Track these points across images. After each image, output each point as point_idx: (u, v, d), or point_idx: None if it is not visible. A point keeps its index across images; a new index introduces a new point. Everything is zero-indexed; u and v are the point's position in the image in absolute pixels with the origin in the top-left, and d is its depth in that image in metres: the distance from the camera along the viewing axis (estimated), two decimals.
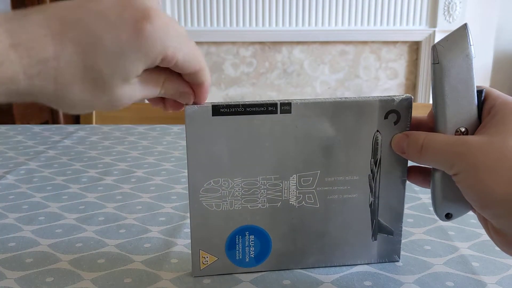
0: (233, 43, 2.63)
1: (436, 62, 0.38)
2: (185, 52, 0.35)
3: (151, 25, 0.32)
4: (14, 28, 0.31)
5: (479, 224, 0.56)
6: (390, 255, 0.47)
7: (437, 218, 0.57)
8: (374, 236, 0.46)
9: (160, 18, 0.33)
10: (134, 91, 0.36)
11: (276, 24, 2.57)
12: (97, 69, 0.32)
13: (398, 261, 0.47)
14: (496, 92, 0.39)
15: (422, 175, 0.43)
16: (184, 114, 0.41)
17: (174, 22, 0.35)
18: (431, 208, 0.60)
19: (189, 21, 2.53)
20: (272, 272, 0.46)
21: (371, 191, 0.45)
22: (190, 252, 0.49)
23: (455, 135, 0.38)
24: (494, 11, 2.55)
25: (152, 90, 0.37)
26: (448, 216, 0.41)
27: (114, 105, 0.35)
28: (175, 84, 0.39)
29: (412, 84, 2.70)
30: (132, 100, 0.36)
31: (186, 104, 0.41)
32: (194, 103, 0.41)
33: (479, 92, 0.38)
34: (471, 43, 0.37)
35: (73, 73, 0.32)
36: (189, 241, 0.52)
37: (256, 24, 2.58)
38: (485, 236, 0.53)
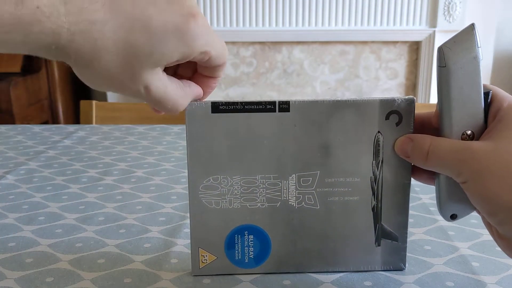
0: (233, 43, 2.63)
1: (442, 66, 0.37)
2: (217, 52, 0.37)
3: (195, 21, 0.34)
4: None
5: (479, 224, 0.56)
6: (395, 262, 0.46)
7: (438, 218, 0.57)
8: (377, 241, 0.45)
9: (202, 17, 0.35)
10: (156, 82, 0.36)
11: (276, 24, 2.57)
12: (138, 46, 0.33)
13: (403, 269, 0.46)
14: (502, 93, 0.38)
15: (427, 173, 0.42)
16: (184, 112, 0.41)
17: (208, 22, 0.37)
18: (432, 208, 0.60)
19: None
20: (272, 273, 0.46)
21: (373, 194, 0.44)
22: (190, 252, 0.49)
23: (461, 138, 0.38)
24: (494, 11, 2.55)
25: (181, 102, 0.38)
26: (453, 217, 0.40)
27: (131, 88, 0.35)
28: (192, 95, 0.40)
29: (412, 84, 2.70)
30: (144, 92, 0.36)
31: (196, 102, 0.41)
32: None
33: (486, 94, 0.38)
34: (479, 45, 0.37)
35: (114, 42, 0.33)
36: (189, 241, 0.52)
37: (256, 24, 2.58)
38: (485, 236, 0.53)
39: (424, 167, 0.39)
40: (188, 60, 0.36)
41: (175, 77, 0.39)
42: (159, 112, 0.40)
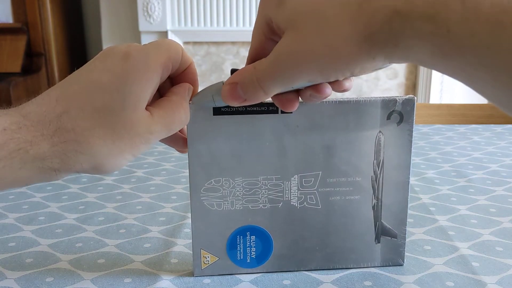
0: (233, 43, 2.63)
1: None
2: (173, 58, 0.37)
3: (134, 54, 0.35)
4: (19, 106, 0.33)
5: (479, 224, 0.56)
6: (394, 258, 0.46)
7: (438, 218, 0.57)
8: (377, 238, 0.46)
9: (137, 48, 0.35)
10: (150, 121, 0.36)
11: None
12: (109, 105, 0.33)
13: (402, 264, 0.47)
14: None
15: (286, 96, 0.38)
16: None
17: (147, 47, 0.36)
18: (432, 208, 0.60)
19: (189, 21, 2.53)
20: (272, 272, 0.46)
21: (373, 193, 0.44)
22: (190, 252, 0.49)
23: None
24: None
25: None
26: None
27: (140, 144, 0.35)
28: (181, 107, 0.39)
29: (412, 84, 2.70)
30: (154, 133, 0.36)
31: (190, 102, 0.41)
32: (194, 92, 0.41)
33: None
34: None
35: (89, 119, 0.33)
36: (189, 241, 0.52)
37: None
38: (485, 236, 0.53)
39: (266, 95, 0.34)
40: (159, 84, 0.36)
41: (160, 96, 0.39)
42: (185, 148, 0.42)
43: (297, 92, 0.37)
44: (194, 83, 0.40)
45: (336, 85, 0.37)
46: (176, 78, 0.40)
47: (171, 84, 0.40)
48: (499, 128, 1.01)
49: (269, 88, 0.33)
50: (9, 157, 0.31)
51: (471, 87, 0.28)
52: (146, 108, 0.35)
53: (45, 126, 0.32)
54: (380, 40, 0.28)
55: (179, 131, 0.42)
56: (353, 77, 0.36)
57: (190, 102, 0.40)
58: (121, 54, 0.35)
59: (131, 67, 0.34)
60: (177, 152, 0.44)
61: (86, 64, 0.36)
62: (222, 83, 0.37)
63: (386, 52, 0.29)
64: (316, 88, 0.36)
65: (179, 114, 0.37)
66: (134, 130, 0.34)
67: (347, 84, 0.37)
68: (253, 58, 0.37)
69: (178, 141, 0.42)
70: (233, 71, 0.36)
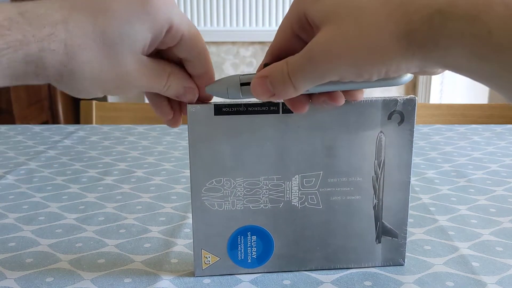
0: (233, 43, 2.63)
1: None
2: (189, 28, 0.37)
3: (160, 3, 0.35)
4: (22, 2, 0.32)
5: (479, 224, 0.56)
6: (395, 258, 0.46)
7: (438, 218, 0.57)
8: (378, 238, 0.46)
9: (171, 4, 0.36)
10: (141, 72, 0.36)
11: (276, 24, 2.57)
12: (107, 33, 0.33)
13: (403, 264, 0.47)
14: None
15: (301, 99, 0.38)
16: (186, 114, 0.41)
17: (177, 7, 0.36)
18: (432, 208, 0.60)
19: None
20: (272, 272, 0.46)
21: (374, 193, 0.44)
22: (190, 252, 0.49)
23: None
24: None
25: (158, 80, 0.38)
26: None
27: (121, 83, 0.35)
28: (180, 79, 0.39)
29: (412, 84, 2.70)
30: (139, 83, 0.36)
31: (189, 103, 0.41)
32: (198, 101, 0.41)
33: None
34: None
35: (82, 37, 0.33)
36: (189, 241, 0.52)
37: (256, 24, 2.58)
38: (485, 236, 0.53)
39: (295, 91, 0.34)
40: (161, 38, 0.36)
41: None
42: (175, 123, 0.41)
43: (309, 95, 0.37)
44: (201, 89, 0.40)
45: (349, 94, 0.37)
46: (192, 77, 0.40)
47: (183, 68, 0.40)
48: (499, 128, 1.01)
49: (299, 83, 0.33)
50: None
51: (508, 95, 0.28)
52: (144, 54, 0.36)
53: (39, 28, 0.31)
54: (420, 38, 0.28)
55: (170, 104, 0.42)
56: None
57: (189, 106, 0.40)
58: None
59: (144, 7, 0.34)
60: (177, 152, 0.44)
61: None
62: (239, 76, 0.37)
63: (424, 51, 0.29)
64: (330, 95, 0.36)
65: (165, 81, 0.37)
66: (119, 64, 0.34)
67: (359, 95, 0.38)
68: (274, 54, 0.37)
69: (164, 110, 0.42)
70: (265, 65, 0.36)
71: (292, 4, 0.35)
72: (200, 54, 0.39)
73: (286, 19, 0.35)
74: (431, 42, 0.28)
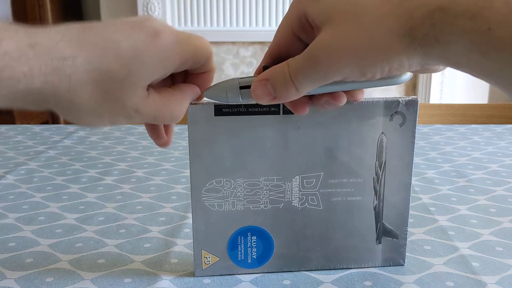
0: (233, 43, 2.63)
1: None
2: (196, 52, 0.37)
3: (161, 39, 0.34)
4: (33, 32, 0.32)
5: (479, 224, 0.56)
6: (395, 258, 0.46)
7: (438, 218, 0.57)
8: (378, 239, 0.46)
9: (169, 32, 0.35)
10: (150, 106, 0.36)
11: (276, 24, 2.57)
12: (112, 71, 0.33)
13: (403, 264, 0.47)
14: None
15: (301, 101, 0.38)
16: (186, 114, 0.41)
17: (181, 33, 0.36)
18: (432, 208, 0.60)
19: (189, 21, 2.53)
20: (272, 272, 0.46)
21: (375, 194, 0.44)
22: (190, 252, 0.49)
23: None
24: None
25: (167, 112, 0.37)
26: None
27: (129, 116, 0.35)
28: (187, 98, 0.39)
29: (412, 84, 2.70)
30: (147, 118, 0.36)
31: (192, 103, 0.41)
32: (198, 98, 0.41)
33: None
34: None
35: (88, 73, 0.33)
36: (189, 241, 0.52)
37: (256, 24, 2.58)
38: (485, 236, 0.53)
39: (297, 93, 0.34)
40: (170, 73, 0.36)
41: (170, 85, 0.39)
42: (165, 144, 0.41)
43: (310, 97, 0.37)
44: (203, 88, 0.40)
45: (350, 94, 0.37)
46: (192, 76, 0.40)
47: (184, 77, 0.40)
48: (499, 128, 1.01)
49: (302, 84, 0.33)
50: (0, 81, 0.31)
51: (509, 92, 0.29)
52: (147, 89, 0.35)
53: (46, 62, 0.32)
54: (421, 35, 0.28)
55: (165, 129, 0.42)
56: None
57: (193, 104, 0.40)
58: (152, 30, 0.34)
59: (155, 47, 0.34)
60: (177, 152, 0.44)
61: (116, 20, 0.35)
62: (238, 79, 0.37)
63: (425, 48, 0.29)
64: (333, 95, 0.36)
65: (173, 109, 0.37)
66: (124, 103, 0.34)
67: (360, 95, 0.38)
68: (273, 55, 0.37)
69: (159, 134, 0.42)
70: (265, 68, 0.36)
71: (291, 4, 0.35)
72: (208, 61, 0.39)
73: (285, 19, 0.35)
74: (433, 38, 0.28)
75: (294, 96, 0.34)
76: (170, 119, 0.37)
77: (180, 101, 0.38)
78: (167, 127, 0.42)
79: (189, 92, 0.39)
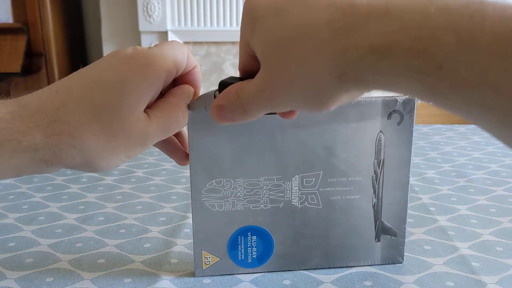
0: (233, 43, 2.63)
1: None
2: (177, 62, 0.37)
3: (136, 63, 0.35)
4: (17, 98, 0.33)
5: (479, 224, 0.56)
6: (393, 256, 0.47)
7: (437, 218, 0.57)
8: (377, 237, 0.46)
9: (143, 53, 0.35)
10: (153, 127, 0.35)
11: None
12: (106, 107, 0.33)
13: (401, 263, 0.47)
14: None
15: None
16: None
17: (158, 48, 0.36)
18: (432, 208, 0.60)
19: (189, 21, 2.53)
20: (272, 272, 0.46)
21: (374, 192, 0.45)
22: (190, 252, 0.49)
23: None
24: None
25: (172, 124, 0.37)
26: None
27: (135, 144, 0.35)
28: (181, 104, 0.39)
29: None
30: (155, 138, 0.36)
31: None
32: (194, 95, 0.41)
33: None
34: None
35: (84, 113, 0.33)
36: (189, 241, 0.52)
37: None
38: (485, 236, 0.53)
39: (253, 118, 0.33)
40: (161, 88, 0.36)
41: (162, 95, 0.39)
42: (186, 157, 0.41)
43: None
44: (196, 85, 0.40)
45: None
46: (179, 79, 0.40)
47: (173, 85, 0.40)
48: None
49: (254, 113, 0.33)
50: (0, 146, 0.31)
51: (472, 122, 0.25)
52: (144, 110, 0.35)
53: (41, 117, 0.32)
54: (353, 78, 0.26)
55: (180, 142, 0.42)
56: None
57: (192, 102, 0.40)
58: (127, 56, 0.35)
59: (135, 69, 0.34)
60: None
61: (93, 63, 0.36)
62: (214, 93, 0.37)
63: (362, 88, 0.27)
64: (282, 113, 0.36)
65: (176, 116, 0.37)
66: (130, 131, 0.34)
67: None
68: (243, 70, 0.36)
69: (177, 152, 0.42)
70: (221, 84, 0.36)
71: (240, 27, 0.34)
72: (188, 60, 0.38)
73: (240, 41, 0.35)
74: (369, 80, 0.26)
75: (251, 119, 0.34)
76: (177, 125, 0.37)
77: (177, 105, 0.38)
78: (181, 140, 0.42)
79: (183, 94, 0.39)
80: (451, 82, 0.23)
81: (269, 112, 0.33)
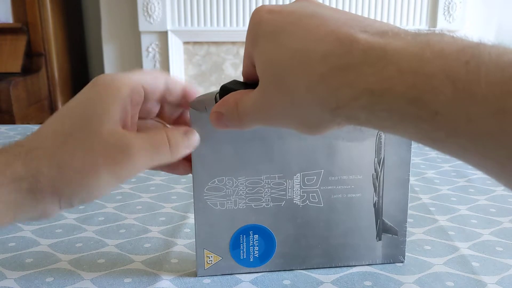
0: (233, 43, 2.63)
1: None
2: (146, 79, 0.37)
3: (100, 82, 0.36)
4: None
5: (479, 224, 0.56)
6: (394, 255, 0.47)
7: (437, 218, 0.57)
8: (378, 236, 0.46)
9: (106, 75, 0.36)
10: (126, 133, 0.35)
11: None
12: (76, 121, 0.34)
13: (403, 262, 0.47)
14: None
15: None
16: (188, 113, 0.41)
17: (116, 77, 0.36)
18: (432, 208, 0.60)
19: (189, 21, 2.53)
20: (272, 272, 0.46)
21: (375, 190, 0.45)
22: (190, 252, 0.49)
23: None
24: (494, 11, 2.55)
25: (161, 149, 0.36)
26: None
27: (113, 157, 0.34)
28: (174, 129, 0.39)
29: None
30: (145, 165, 0.36)
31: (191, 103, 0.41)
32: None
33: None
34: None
35: (57, 136, 0.34)
36: (189, 241, 0.52)
37: None
38: (485, 236, 0.53)
39: (250, 128, 0.34)
40: (129, 104, 0.36)
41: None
42: (187, 171, 0.42)
43: None
44: (190, 94, 0.40)
45: None
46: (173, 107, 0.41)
47: (170, 111, 0.41)
48: None
49: (250, 126, 0.33)
50: None
51: (471, 165, 0.25)
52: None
53: (19, 148, 0.34)
54: (346, 114, 0.26)
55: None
56: None
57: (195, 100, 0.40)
58: (91, 82, 0.36)
59: (96, 90, 0.35)
60: None
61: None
62: (215, 95, 0.37)
63: (355, 124, 0.27)
64: None
65: (161, 134, 0.36)
66: (106, 142, 0.34)
67: None
68: (246, 76, 0.37)
69: (185, 166, 0.42)
70: (223, 88, 0.36)
71: (246, 35, 0.34)
72: (164, 87, 0.38)
73: (244, 49, 0.35)
74: (362, 119, 0.25)
75: (248, 129, 0.34)
76: (165, 145, 0.36)
77: (164, 128, 0.38)
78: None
79: (175, 129, 0.38)
80: (448, 129, 0.22)
81: (266, 125, 0.33)
